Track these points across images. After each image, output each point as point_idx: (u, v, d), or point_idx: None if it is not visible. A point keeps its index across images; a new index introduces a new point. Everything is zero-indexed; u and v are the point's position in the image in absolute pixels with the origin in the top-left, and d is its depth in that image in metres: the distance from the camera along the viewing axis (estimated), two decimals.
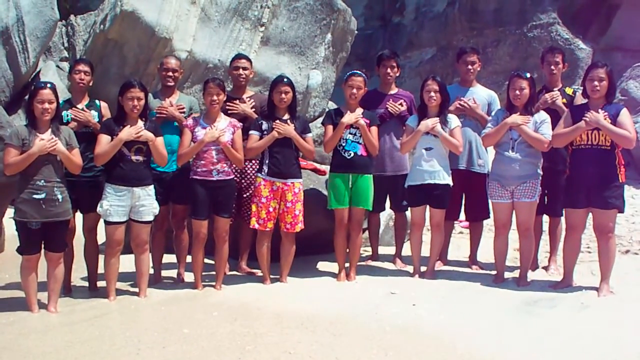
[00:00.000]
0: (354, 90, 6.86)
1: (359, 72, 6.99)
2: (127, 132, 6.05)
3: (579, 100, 6.70)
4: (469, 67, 7.34)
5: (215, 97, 6.43)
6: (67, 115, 6.31)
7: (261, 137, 6.64)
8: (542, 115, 6.58)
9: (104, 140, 6.08)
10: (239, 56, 7.32)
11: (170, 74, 6.82)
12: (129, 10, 8.75)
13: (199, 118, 6.57)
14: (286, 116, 6.74)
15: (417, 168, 6.89)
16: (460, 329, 5.37)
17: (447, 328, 5.40)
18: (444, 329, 5.36)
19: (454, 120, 6.89)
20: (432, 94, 6.83)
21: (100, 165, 6.16)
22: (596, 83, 6.25)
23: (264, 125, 6.65)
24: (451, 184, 6.89)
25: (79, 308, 6.04)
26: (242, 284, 6.78)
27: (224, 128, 6.48)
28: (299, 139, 6.67)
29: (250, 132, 6.66)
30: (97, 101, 6.52)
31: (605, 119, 6.14)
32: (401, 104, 7.30)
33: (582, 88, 6.50)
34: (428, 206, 6.97)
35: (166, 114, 6.64)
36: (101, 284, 6.49)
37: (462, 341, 5.07)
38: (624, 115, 6.20)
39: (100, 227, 6.41)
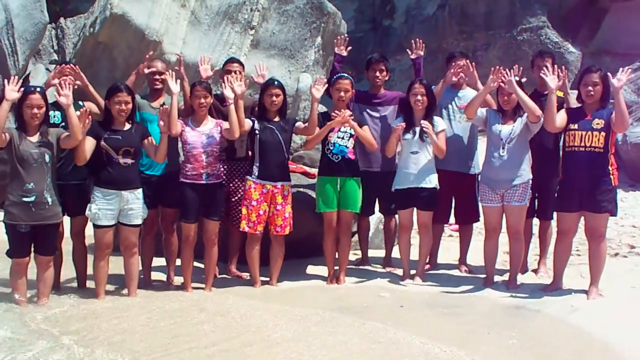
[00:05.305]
0: (342, 94, 6.86)
1: (345, 74, 6.98)
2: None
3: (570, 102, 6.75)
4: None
5: (202, 100, 6.42)
6: (54, 117, 6.28)
7: (253, 135, 6.63)
8: None
9: (88, 142, 6.01)
10: (231, 60, 7.30)
11: (157, 76, 6.80)
12: (119, 13, 8.76)
13: (187, 120, 6.55)
14: (277, 119, 6.74)
15: (404, 171, 6.89)
16: (449, 333, 5.37)
17: (436, 331, 5.40)
18: (433, 332, 5.36)
19: (440, 123, 6.90)
20: (419, 97, 6.83)
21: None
22: (590, 88, 6.26)
23: (256, 125, 6.64)
24: (438, 187, 6.90)
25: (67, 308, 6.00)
26: (231, 287, 6.76)
27: (212, 128, 6.49)
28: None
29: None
30: (80, 102, 6.47)
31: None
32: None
33: (576, 92, 6.52)
34: (416, 208, 6.98)
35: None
36: (90, 285, 6.47)
37: (451, 344, 5.07)
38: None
39: (89, 230, 6.40)
